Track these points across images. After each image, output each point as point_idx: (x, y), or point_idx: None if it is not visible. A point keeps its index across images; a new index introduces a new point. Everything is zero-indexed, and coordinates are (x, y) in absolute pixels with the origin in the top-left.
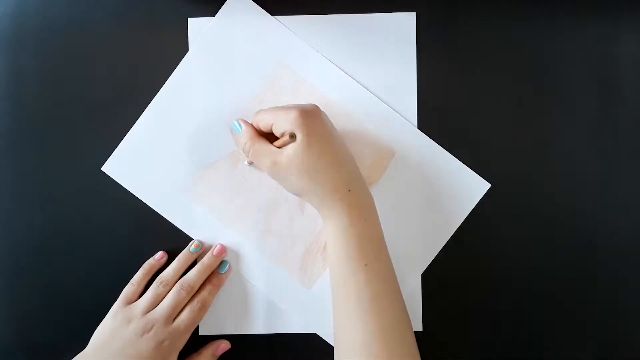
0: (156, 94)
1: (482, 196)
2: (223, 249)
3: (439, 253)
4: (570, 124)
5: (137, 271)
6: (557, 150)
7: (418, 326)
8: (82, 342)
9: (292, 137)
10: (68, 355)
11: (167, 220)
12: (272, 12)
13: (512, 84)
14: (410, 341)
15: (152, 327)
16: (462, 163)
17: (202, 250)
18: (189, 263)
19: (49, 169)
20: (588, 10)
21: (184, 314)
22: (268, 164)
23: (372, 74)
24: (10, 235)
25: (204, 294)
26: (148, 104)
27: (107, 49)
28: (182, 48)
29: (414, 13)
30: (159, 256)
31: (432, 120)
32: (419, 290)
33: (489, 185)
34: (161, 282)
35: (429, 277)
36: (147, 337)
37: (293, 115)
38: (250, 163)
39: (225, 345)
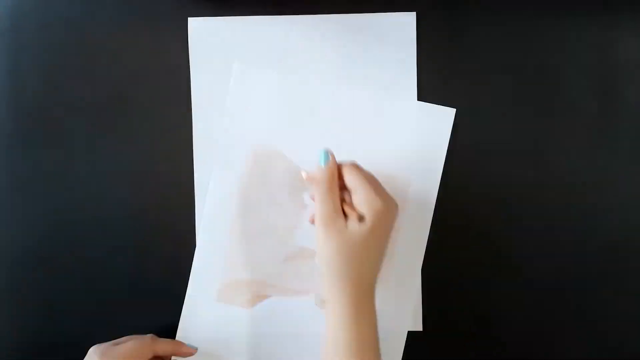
0: (156, 93)
1: (452, 124)
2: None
3: (439, 253)
4: (571, 125)
5: (137, 272)
6: (557, 150)
7: (418, 326)
8: (81, 342)
9: (361, 219)
10: (68, 355)
11: (169, 223)
12: (272, 12)
13: (512, 84)
14: None
15: (95, 351)
16: (421, 102)
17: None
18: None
19: (49, 169)
20: (588, 11)
21: (130, 341)
22: (326, 215)
23: (372, 73)
24: (10, 235)
25: (162, 340)
26: (147, 103)
27: (107, 49)
28: (182, 48)
29: (414, 13)
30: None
31: None
32: (419, 290)
33: (454, 110)
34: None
35: (429, 277)
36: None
37: (377, 205)
38: (311, 193)
39: (193, 351)
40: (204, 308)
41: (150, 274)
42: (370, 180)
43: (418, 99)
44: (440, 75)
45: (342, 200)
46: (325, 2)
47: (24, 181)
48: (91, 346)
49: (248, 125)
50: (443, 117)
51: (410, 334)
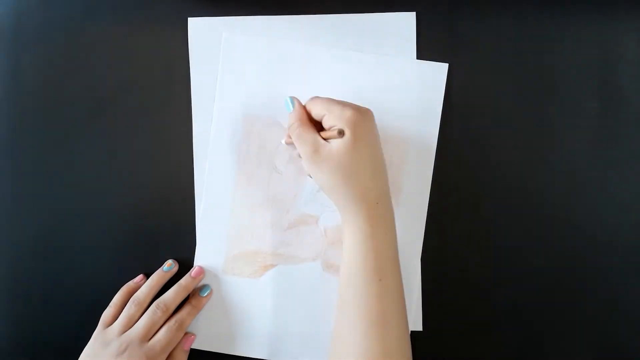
0: (156, 93)
1: (445, 78)
2: (201, 271)
3: (440, 252)
4: (571, 124)
5: (137, 271)
6: (557, 150)
7: (418, 326)
8: (81, 343)
9: (341, 133)
10: (68, 355)
11: (169, 222)
12: (272, 12)
13: (512, 84)
14: None
15: (126, 348)
16: (416, 60)
17: (176, 269)
18: (163, 283)
19: (49, 169)
20: (589, 10)
21: (160, 334)
22: (309, 150)
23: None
24: (10, 235)
25: (182, 314)
26: (147, 103)
27: (107, 48)
28: (182, 48)
29: (414, 13)
30: (138, 279)
31: None
32: (419, 291)
33: (446, 65)
34: (134, 302)
35: (429, 278)
36: (122, 358)
37: (348, 113)
38: (289, 143)
39: (192, 337)
40: (212, 282)
41: (152, 272)
42: (334, 100)
43: None
44: None
45: (319, 132)
46: (325, 2)
47: (24, 180)
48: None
49: (242, 96)
50: (437, 72)
51: (411, 334)
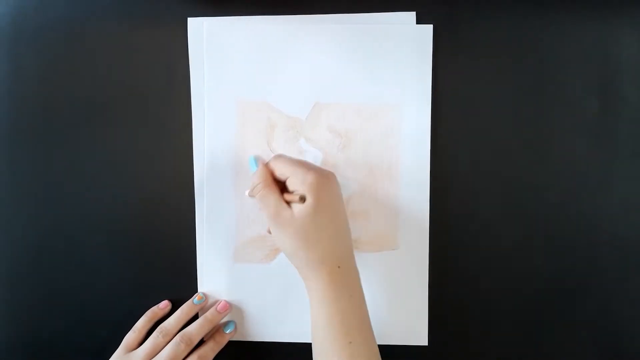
0: (156, 93)
1: (432, 38)
2: (227, 306)
3: (445, 266)
4: (570, 124)
5: (137, 270)
6: (557, 150)
7: (423, 341)
8: (81, 343)
9: (302, 199)
10: (68, 355)
11: (169, 222)
12: (272, 12)
13: (512, 83)
14: None
15: None
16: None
17: (206, 303)
18: (192, 315)
19: (49, 169)
20: (588, 10)
21: None
22: (271, 212)
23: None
24: (10, 235)
25: (205, 349)
26: (147, 103)
27: (107, 49)
28: (182, 48)
29: (414, 13)
30: (163, 305)
31: (431, 119)
32: (426, 305)
33: (431, 26)
34: (161, 332)
35: (434, 292)
36: None
37: (310, 179)
38: (252, 196)
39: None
40: (222, 271)
41: (151, 273)
42: (299, 162)
43: None
44: (440, 75)
45: (283, 192)
46: (325, 2)
47: (24, 181)
48: (90, 346)
49: (231, 82)
50: (422, 34)
51: (415, 349)
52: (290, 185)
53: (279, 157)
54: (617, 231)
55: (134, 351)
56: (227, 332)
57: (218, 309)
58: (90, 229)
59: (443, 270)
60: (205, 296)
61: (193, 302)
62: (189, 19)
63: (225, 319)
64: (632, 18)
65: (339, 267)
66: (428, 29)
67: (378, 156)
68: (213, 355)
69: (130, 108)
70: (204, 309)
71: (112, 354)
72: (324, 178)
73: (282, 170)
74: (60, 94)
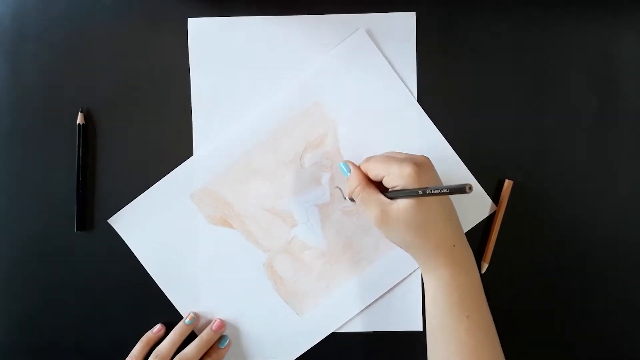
0: (156, 93)
1: (487, 215)
2: (222, 324)
3: None
4: (570, 124)
5: (137, 269)
6: (557, 150)
7: (418, 326)
8: (81, 343)
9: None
10: (68, 355)
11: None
12: (272, 12)
13: (512, 83)
14: None
15: None
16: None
17: (197, 322)
18: (185, 336)
19: (49, 169)
20: (588, 10)
21: None
22: (376, 213)
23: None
24: (10, 236)
25: None
26: (147, 103)
27: (107, 49)
28: (182, 48)
29: (414, 13)
30: (157, 329)
31: (431, 119)
32: (419, 290)
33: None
34: (157, 356)
35: None
36: None
37: (407, 171)
38: (352, 200)
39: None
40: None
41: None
42: (390, 158)
43: (417, 99)
44: (440, 75)
45: (382, 191)
46: (326, 2)
47: (24, 180)
48: (89, 346)
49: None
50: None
51: (411, 334)
52: (388, 183)
53: (370, 158)
54: (617, 231)
55: None
56: (223, 347)
57: (213, 328)
58: (89, 228)
59: None
60: (196, 316)
61: (185, 323)
62: (189, 19)
63: None
64: (632, 18)
65: (454, 246)
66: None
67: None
68: None
69: (130, 108)
70: (197, 328)
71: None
72: (420, 166)
73: (376, 172)
74: (60, 94)
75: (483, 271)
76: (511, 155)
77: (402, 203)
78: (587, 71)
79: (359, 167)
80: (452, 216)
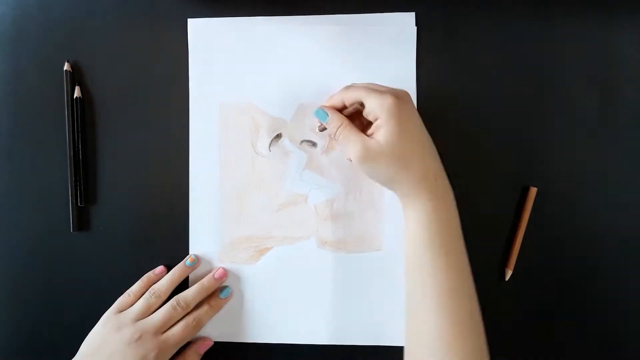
0: (156, 93)
1: (415, 27)
2: (224, 274)
3: None
4: (570, 124)
5: (137, 269)
6: (557, 150)
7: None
8: (80, 343)
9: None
10: (67, 355)
11: (166, 221)
12: (272, 12)
13: (512, 83)
14: (483, 338)
15: (140, 336)
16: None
17: (198, 265)
18: (184, 277)
19: (49, 169)
20: (588, 10)
21: (177, 329)
22: (358, 150)
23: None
24: (10, 235)
25: (200, 312)
26: (147, 104)
27: (107, 49)
28: (182, 48)
29: (414, 13)
30: (159, 270)
31: (432, 119)
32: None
33: (413, 14)
34: (154, 293)
35: None
36: (134, 346)
37: (388, 101)
38: (334, 139)
39: (208, 342)
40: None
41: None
42: (367, 88)
43: (417, 98)
44: (440, 75)
45: (365, 125)
46: (325, 2)
47: (24, 180)
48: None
49: (215, 82)
50: (406, 22)
51: (398, 349)
52: (367, 113)
53: (349, 86)
54: (617, 231)
55: (126, 311)
56: (224, 297)
57: (215, 276)
58: (89, 227)
59: None
60: (197, 259)
61: (185, 264)
62: (189, 19)
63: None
64: (632, 18)
65: (435, 180)
66: (411, 22)
67: None
68: (208, 319)
69: (130, 108)
70: (196, 274)
71: None
72: (400, 99)
73: (354, 99)
74: (61, 94)
75: (507, 278)
76: (509, 155)
77: (382, 137)
78: (587, 71)
79: (336, 110)
80: (432, 150)
